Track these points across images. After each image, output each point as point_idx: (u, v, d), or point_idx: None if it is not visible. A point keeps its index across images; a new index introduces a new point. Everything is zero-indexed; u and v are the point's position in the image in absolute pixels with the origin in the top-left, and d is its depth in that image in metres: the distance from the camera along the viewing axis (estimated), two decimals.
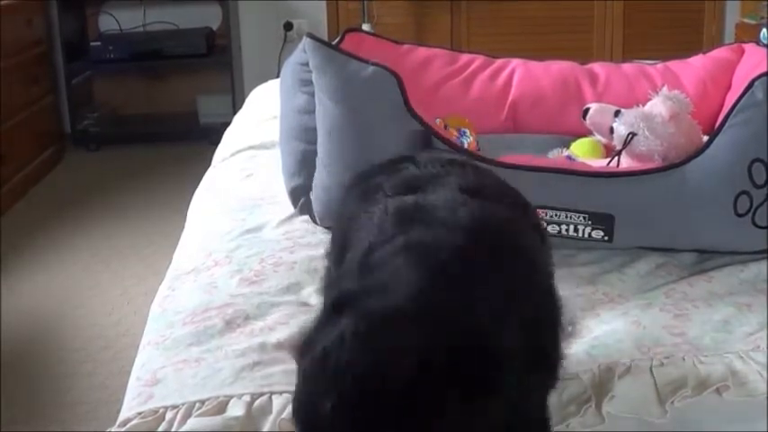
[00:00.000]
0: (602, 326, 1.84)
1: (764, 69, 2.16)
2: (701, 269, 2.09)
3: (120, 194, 4.80)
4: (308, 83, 2.25)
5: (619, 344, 1.75)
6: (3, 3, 4.77)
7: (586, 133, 2.56)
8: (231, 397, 1.59)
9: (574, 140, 2.58)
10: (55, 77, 5.59)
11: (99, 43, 5.58)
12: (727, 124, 2.11)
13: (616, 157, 2.32)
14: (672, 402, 1.57)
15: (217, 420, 1.52)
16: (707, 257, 2.12)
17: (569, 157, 2.47)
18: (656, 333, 1.80)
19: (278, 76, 2.79)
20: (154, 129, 5.70)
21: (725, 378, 1.62)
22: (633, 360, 1.67)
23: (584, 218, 2.07)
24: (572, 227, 2.08)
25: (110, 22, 5.77)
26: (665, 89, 2.44)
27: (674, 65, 2.92)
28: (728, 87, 2.76)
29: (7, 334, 3.33)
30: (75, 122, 5.66)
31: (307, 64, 2.26)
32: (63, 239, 4.23)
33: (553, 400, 1.57)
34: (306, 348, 1.18)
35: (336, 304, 1.20)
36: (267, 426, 1.53)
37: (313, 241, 2.20)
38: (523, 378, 1.20)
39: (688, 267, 2.10)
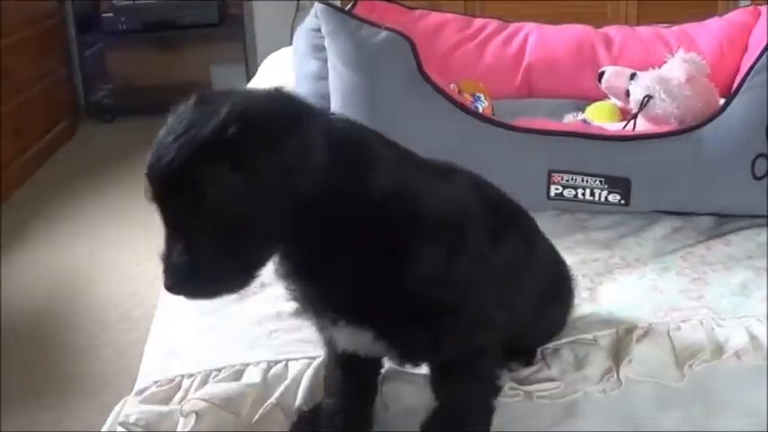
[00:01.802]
0: (620, 290, 1.83)
1: None
2: (718, 233, 2.07)
3: (136, 165, 4.74)
4: (321, 49, 2.24)
5: (636, 308, 1.74)
6: None
7: (602, 97, 2.55)
8: (247, 365, 1.59)
9: (589, 105, 2.56)
10: (68, 49, 5.58)
11: (111, 14, 5.55)
12: (743, 87, 2.09)
13: (632, 121, 2.31)
14: (690, 366, 1.56)
15: (233, 387, 1.52)
16: (724, 221, 2.11)
17: (585, 121, 2.45)
18: (674, 297, 1.79)
19: (291, 44, 2.77)
20: (168, 99, 5.59)
21: (743, 342, 1.60)
22: (650, 324, 1.65)
23: (601, 181, 2.06)
24: (588, 191, 2.07)
25: None
26: (681, 51, 2.43)
27: (690, 28, 2.90)
28: (745, 50, 2.74)
29: (24, 305, 3.34)
30: (89, 94, 5.65)
31: (319, 30, 2.24)
32: (78, 211, 4.23)
33: (570, 364, 1.57)
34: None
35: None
36: (281, 391, 1.53)
37: None
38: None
39: (705, 231, 2.09)
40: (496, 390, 1.48)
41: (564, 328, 1.66)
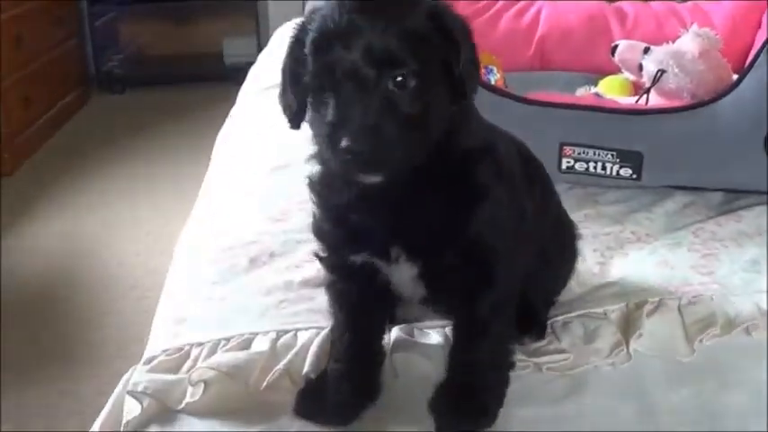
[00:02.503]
0: (630, 265, 1.83)
1: None
2: (729, 208, 2.07)
3: (146, 136, 4.80)
4: None
5: (647, 283, 1.74)
6: None
7: (614, 71, 2.54)
8: (256, 334, 1.59)
9: (601, 78, 2.55)
10: (79, 19, 5.57)
11: None
12: (756, 63, 2.08)
13: (645, 95, 2.30)
14: (700, 341, 1.56)
15: (241, 356, 1.52)
16: (736, 197, 2.11)
17: (597, 95, 2.44)
18: (685, 272, 1.79)
19: (303, 16, 2.76)
20: (179, 70, 5.67)
21: (753, 317, 1.60)
22: (661, 299, 1.65)
23: (613, 155, 2.06)
24: (600, 164, 2.06)
25: None
26: (695, 26, 2.42)
27: (704, 3, 2.90)
28: (758, 26, 2.73)
29: (34, 276, 3.35)
30: (100, 65, 5.65)
31: None
32: (89, 182, 4.24)
33: (579, 338, 1.57)
34: None
35: None
36: (289, 359, 1.53)
37: None
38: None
39: (716, 207, 2.08)
40: (511, 364, 1.48)
41: (565, 286, 1.69)
